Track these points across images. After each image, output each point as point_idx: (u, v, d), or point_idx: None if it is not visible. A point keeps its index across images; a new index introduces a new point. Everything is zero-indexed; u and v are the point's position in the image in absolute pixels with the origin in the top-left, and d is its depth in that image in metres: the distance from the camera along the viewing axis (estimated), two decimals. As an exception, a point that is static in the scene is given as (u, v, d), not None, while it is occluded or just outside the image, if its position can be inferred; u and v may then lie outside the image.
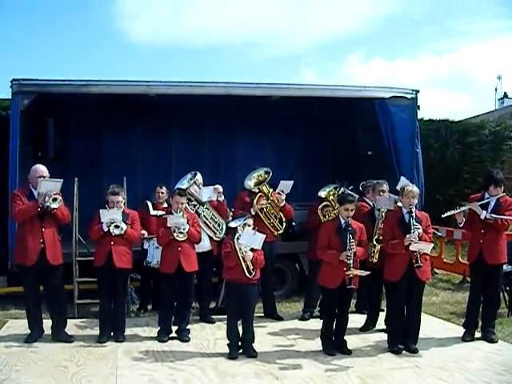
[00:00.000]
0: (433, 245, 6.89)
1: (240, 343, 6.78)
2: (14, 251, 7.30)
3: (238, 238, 6.67)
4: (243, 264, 6.64)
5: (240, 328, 6.82)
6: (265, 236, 6.81)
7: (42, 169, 7.25)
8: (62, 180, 7.16)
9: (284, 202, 8.34)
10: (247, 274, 6.67)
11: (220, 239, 8.15)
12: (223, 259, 6.88)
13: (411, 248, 6.61)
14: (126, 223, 7.20)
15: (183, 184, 8.05)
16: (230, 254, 6.71)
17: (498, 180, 7.37)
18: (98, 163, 11.63)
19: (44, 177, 7.11)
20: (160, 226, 7.36)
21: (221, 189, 8.34)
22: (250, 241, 6.65)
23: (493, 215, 7.21)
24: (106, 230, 7.06)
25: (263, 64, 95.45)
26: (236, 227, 6.81)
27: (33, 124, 9.71)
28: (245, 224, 6.83)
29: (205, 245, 8.01)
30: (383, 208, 7.61)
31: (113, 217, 7.07)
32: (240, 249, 6.63)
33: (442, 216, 7.51)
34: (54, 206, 6.97)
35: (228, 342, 6.80)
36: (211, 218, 8.24)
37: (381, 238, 7.42)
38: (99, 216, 7.08)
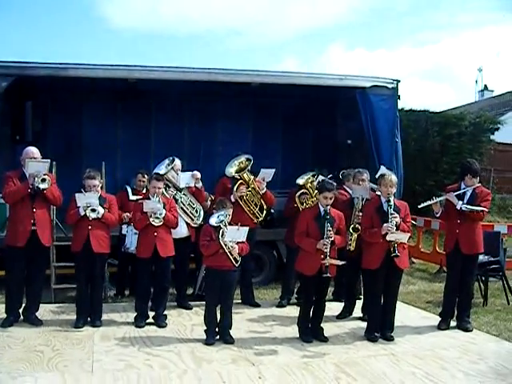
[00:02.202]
0: (409, 235, 6.90)
1: (217, 329, 6.78)
2: (6, 233, 7.30)
3: (222, 235, 6.64)
4: (230, 257, 6.65)
5: (218, 314, 6.82)
6: (248, 228, 6.81)
7: (33, 150, 7.26)
8: (48, 160, 7.20)
9: (265, 189, 8.34)
10: (235, 264, 6.69)
11: (198, 225, 8.14)
12: (201, 248, 6.86)
13: (388, 238, 6.64)
14: (104, 207, 7.16)
15: (161, 169, 8.01)
16: (209, 243, 6.69)
17: (474, 170, 7.42)
18: (77, 147, 11.51)
19: (35, 158, 7.08)
20: (136, 210, 7.32)
21: (199, 175, 8.29)
22: (235, 236, 6.65)
23: (468, 206, 7.26)
24: (82, 214, 7.01)
25: (245, 52, 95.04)
26: (219, 225, 6.76)
27: (11, 107, 9.62)
28: (226, 217, 6.80)
29: (182, 231, 8.00)
30: (360, 197, 7.65)
31: (89, 201, 7.02)
32: (226, 244, 6.62)
33: (419, 206, 7.56)
34: (43, 186, 6.96)
35: (205, 327, 6.80)
36: (189, 204, 8.21)
37: (357, 226, 7.46)
38: (75, 200, 7.04)
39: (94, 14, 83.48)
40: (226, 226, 6.69)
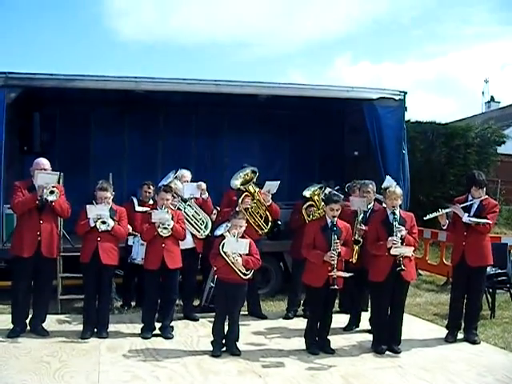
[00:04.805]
0: (413, 248, 6.88)
1: (224, 341, 6.77)
2: (12, 243, 7.30)
3: (223, 247, 6.63)
4: (235, 269, 6.64)
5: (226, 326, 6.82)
6: (249, 241, 6.74)
7: (43, 162, 7.29)
8: (58, 172, 7.21)
9: (270, 201, 8.33)
10: (243, 276, 6.68)
11: (204, 237, 8.14)
12: (210, 260, 6.89)
13: (392, 252, 6.63)
14: (114, 219, 7.18)
15: (167, 182, 8.03)
16: (216, 256, 6.70)
17: (479, 182, 7.40)
18: (85, 158, 11.55)
19: (45, 169, 7.12)
20: (144, 221, 7.33)
21: (204, 186, 8.28)
22: (234, 247, 6.61)
23: (472, 219, 7.23)
24: (92, 225, 7.02)
25: (251, 64, 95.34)
26: (222, 234, 6.76)
27: (19, 118, 9.66)
28: (228, 229, 6.80)
29: (187, 241, 7.95)
30: (357, 209, 7.65)
31: (99, 212, 7.03)
32: (228, 256, 6.61)
33: (425, 218, 7.54)
34: (52, 198, 6.97)
35: (212, 339, 6.79)
36: (193, 215, 8.19)
37: (359, 238, 7.45)
38: (86, 211, 7.05)
39: (102, 26, 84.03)
40: (235, 236, 6.68)
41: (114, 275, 8.03)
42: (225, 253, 6.59)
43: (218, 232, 6.91)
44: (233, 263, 6.61)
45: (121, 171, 11.16)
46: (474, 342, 7.34)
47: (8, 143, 8.82)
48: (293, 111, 11.97)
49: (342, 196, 7.50)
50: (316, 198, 8.33)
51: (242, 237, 6.77)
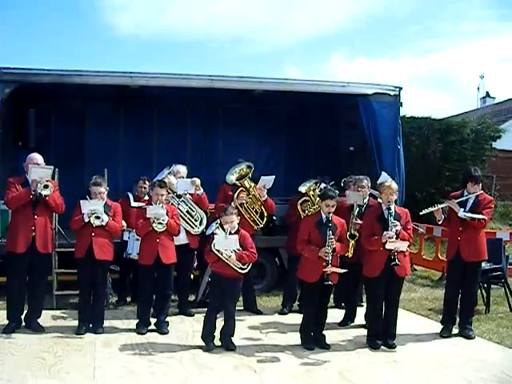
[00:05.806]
0: (407, 243, 6.86)
1: (219, 336, 6.77)
2: (7, 239, 7.28)
3: (214, 245, 6.62)
4: (231, 265, 6.63)
5: (218, 320, 6.81)
6: (237, 236, 6.71)
7: (37, 157, 7.29)
8: (52, 167, 7.19)
9: (266, 196, 8.33)
10: (240, 271, 6.67)
11: (198, 233, 8.13)
12: (205, 257, 6.88)
13: (387, 247, 6.63)
14: (108, 215, 7.16)
15: (162, 177, 8.01)
16: (209, 253, 6.69)
17: (475, 177, 7.41)
18: (80, 154, 11.54)
19: (39, 164, 7.10)
20: (139, 217, 7.32)
21: (198, 181, 8.24)
22: (224, 245, 6.59)
23: (467, 214, 7.25)
24: (86, 220, 7.00)
25: (247, 60, 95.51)
26: (212, 234, 6.76)
27: (14, 113, 9.62)
28: (218, 227, 6.80)
29: (181, 237, 7.92)
30: (353, 202, 7.66)
31: (94, 207, 7.01)
32: (222, 254, 6.60)
33: (421, 213, 7.54)
34: (46, 192, 6.96)
35: (202, 333, 6.79)
36: (187, 211, 8.16)
37: (354, 233, 7.46)
38: (80, 206, 7.03)
39: (99, 21, 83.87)
40: (226, 233, 6.67)
41: (110, 271, 8.03)
42: (217, 250, 6.59)
43: (209, 231, 6.89)
44: (227, 260, 6.61)
45: (116, 167, 11.15)
46: (468, 337, 7.36)
47: (3, 139, 8.79)
48: (288, 106, 11.97)
49: (338, 192, 7.49)
50: (311, 193, 8.33)
51: (238, 231, 6.76)
